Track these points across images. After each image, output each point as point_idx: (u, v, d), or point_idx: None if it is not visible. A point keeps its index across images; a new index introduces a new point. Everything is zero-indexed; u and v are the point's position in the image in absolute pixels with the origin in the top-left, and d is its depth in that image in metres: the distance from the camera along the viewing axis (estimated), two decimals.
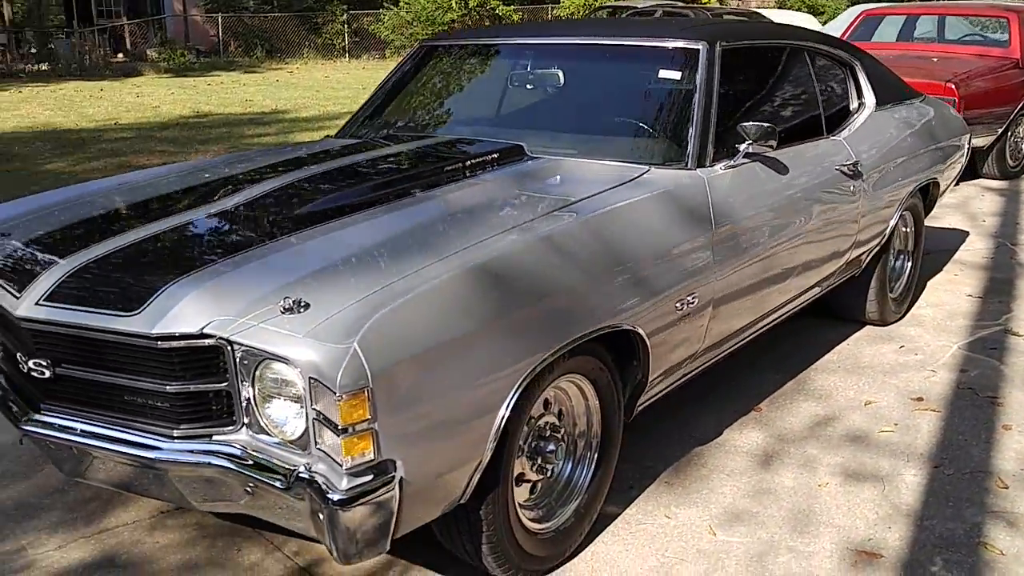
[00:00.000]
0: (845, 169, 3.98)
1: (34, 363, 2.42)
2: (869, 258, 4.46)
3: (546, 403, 2.72)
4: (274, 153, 3.62)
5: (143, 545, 2.90)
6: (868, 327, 4.81)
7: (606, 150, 3.35)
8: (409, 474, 2.16)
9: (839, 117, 4.27)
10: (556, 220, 2.70)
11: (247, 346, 2.13)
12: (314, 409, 2.05)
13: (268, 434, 2.21)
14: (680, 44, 3.50)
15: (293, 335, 2.08)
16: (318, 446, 2.09)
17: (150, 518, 3.03)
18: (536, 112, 3.76)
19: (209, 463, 2.21)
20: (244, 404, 2.22)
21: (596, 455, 2.88)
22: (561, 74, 3.71)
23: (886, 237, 4.47)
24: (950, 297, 5.31)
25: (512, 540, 2.55)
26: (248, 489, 2.21)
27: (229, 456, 2.21)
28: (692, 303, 2.99)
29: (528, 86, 3.81)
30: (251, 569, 2.77)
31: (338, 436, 2.03)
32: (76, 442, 2.38)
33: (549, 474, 2.78)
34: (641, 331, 2.78)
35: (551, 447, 2.70)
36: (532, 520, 2.69)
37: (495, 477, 2.43)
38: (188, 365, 2.24)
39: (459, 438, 2.27)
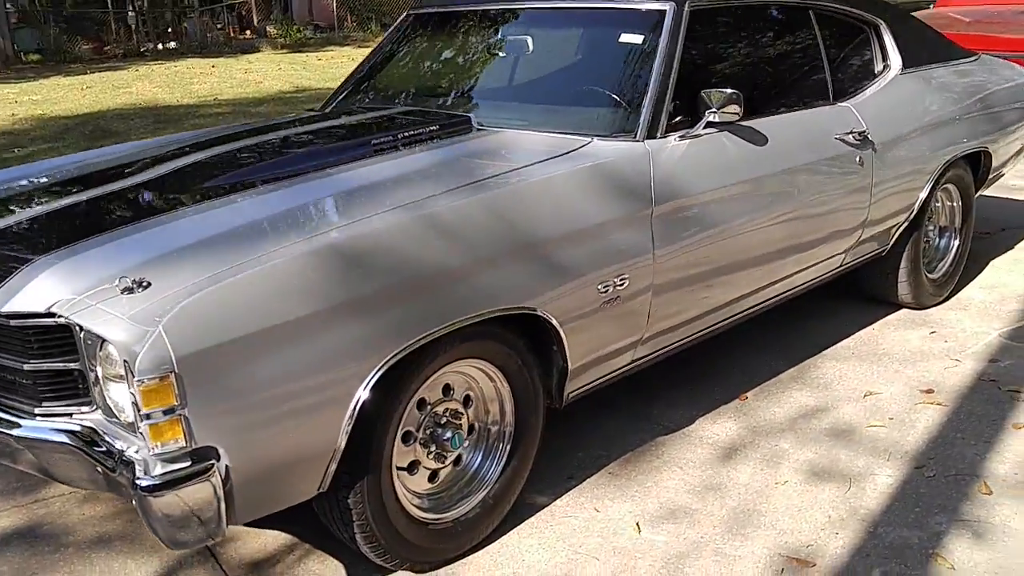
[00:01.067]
0: (849, 138, 3.66)
1: None
2: (897, 234, 4.11)
3: (446, 388, 2.59)
4: (224, 128, 3.58)
5: (68, 516, 2.93)
6: (904, 310, 4.45)
7: (556, 121, 3.16)
8: (239, 462, 2.08)
9: (854, 82, 3.93)
10: (455, 197, 2.55)
11: (81, 326, 2.09)
12: (131, 392, 1.99)
13: (115, 416, 2.17)
14: (645, 5, 3.27)
15: (116, 316, 2.03)
16: (139, 430, 2.03)
17: (86, 491, 3.06)
18: (498, 81, 3.59)
19: (49, 440, 2.18)
20: (94, 384, 2.18)
21: (509, 446, 2.73)
22: (530, 41, 3.54)
23: (914, 212, 4.11)
24: (1011, 279, 4.86)
25: (390, 530, 2.44)
26: (99, 471, 2.17)
27: (71, 434, 2.17)
28: (621, 286, 2.79)
29: (501, 53, 3.64)
30: (156, 545, 2.76)
31: (141, 421, 1.97)
32: None
33: (454, 463, 2.65)
34: (550, 315, 2.61)
35: (448, 434, 2.57)
36: (423, 510, 2.57)
37: (363, 465, 2.33)
38: (43, 343, 2.22)
39: (303, 426, 2.17)
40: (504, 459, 2.73)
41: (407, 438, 2.52)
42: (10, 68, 17.20)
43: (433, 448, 2.58)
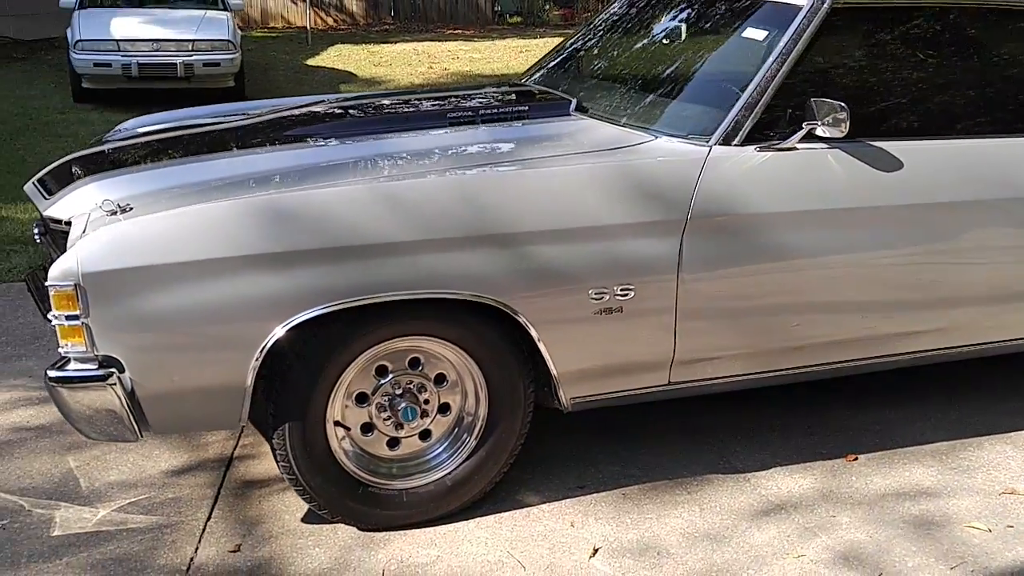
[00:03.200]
0: None
1: (34, 229, 3.02)
2: None
3: (414, 362, 2.63)
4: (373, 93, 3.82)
5: None
6: None
7: (644, 114, 2.97)
8: (144, 379, 2.33)
9: None
10: (448, 175, 2.57)
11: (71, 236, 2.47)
12: None
13: None
14: None
15: (80, 232, 2.38)
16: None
17: None
18: (627, 69, 3.40)
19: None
20: None
21: (475, 438, 2.69)
22: (683, 30, 3.32)
23: None
24: None
25: (316, 481, 2.55)
26: None
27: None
28: (624, 297, 2.60)
29: (665, 40, 3.45)
30: (185, 441, 3.14)
31: (52, 321, 2.29)
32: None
33: (421, 436, 2.69)
34: (522, 312, 2.52)
35: (403, 405, 2.62)
36: (367, 472, 2.64)
37: (284, 410, 2.48)
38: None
39: (211, 359, 2.36)
40: (470, 448, 2.70)
41: (362, 399, 2.61)
42: (487, 28, 18.98)
43: (389, 415, 2.64)
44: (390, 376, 2.62)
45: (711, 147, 2.71)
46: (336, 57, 13.83)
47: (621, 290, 2.59)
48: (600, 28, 3.74)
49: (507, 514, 2.79)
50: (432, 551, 2.61)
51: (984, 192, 2.93)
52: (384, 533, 2.68)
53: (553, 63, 3.75)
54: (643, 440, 3.22)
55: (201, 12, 10.48)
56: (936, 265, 2.91)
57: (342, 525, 2.70)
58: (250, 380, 2.39)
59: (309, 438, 2.52)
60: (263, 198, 2.41)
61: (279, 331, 2.35)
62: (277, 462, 2.57)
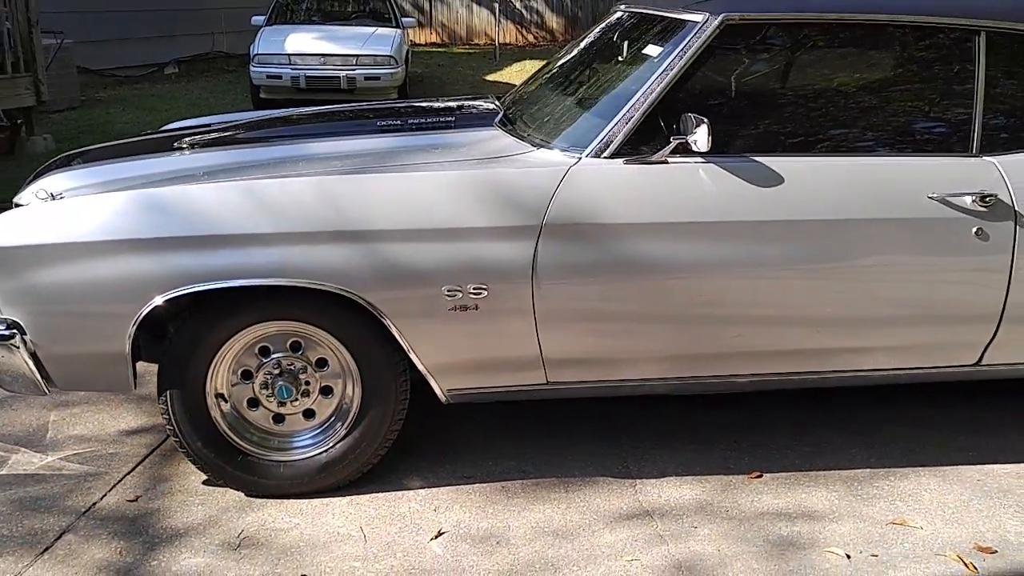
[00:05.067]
0: (963, 201, 2.86)
1: None
2: None
3: (296, 345, 2.90)
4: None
5: None
6: None
7: (549, 128, 3.09)
8: (42, 341, 2.74)
9: None
10: (312, 176, 2.82)
11: None
12: None
13: None
14: (682, 15, 2.99)
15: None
16: None
17: None
18: (564, 87, 3.50)
19: None
20: None
21: (347, 428, 2.92)
22: (624, 49, 3.41)
23: None
24: None
25: (196, 445, 2.87)
26: None
27: None
28: (478, 296, 2.75)
29: (603, 62, 3.54)
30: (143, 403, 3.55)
31: None
32: None
33: (305, 415, 2.95)
34: (378, 305, 2.73)
35: (280, 383, 2.89)
36: (244, 440, 2.93)
37: (165, 379, 2.82)
38: None
39: (92, 328, 2.73)
40: (339, 435, 2.93)
41: (248, 376, 2.91)
42: None
43: (271, 393, 2.92)
44: (272, 357, 2.90)
45: (580, 159, 2.81)
46: (516, 72, 14.28)
47: (474, 289, 2.74)
48: (565, 52, 3.87)
49: (382, 495, 2.99)
50: (295, 519, 2.86)
51: (868, 211, 2.85)
52: (263, 500, 2.96)
53: (526, 82, 3.91)
54: (556, 439, 3.33)
55: (371, 29, 11.28)
56: (819, 282, 2.86)
57: (232, 490, 3.00)
58: (128, 348, 2.74)
59: (190, 405, 2.85)
60: (141, 192, 2.76)
61: (151, 306, 2.68)
62: (165, 425, 2.91)
